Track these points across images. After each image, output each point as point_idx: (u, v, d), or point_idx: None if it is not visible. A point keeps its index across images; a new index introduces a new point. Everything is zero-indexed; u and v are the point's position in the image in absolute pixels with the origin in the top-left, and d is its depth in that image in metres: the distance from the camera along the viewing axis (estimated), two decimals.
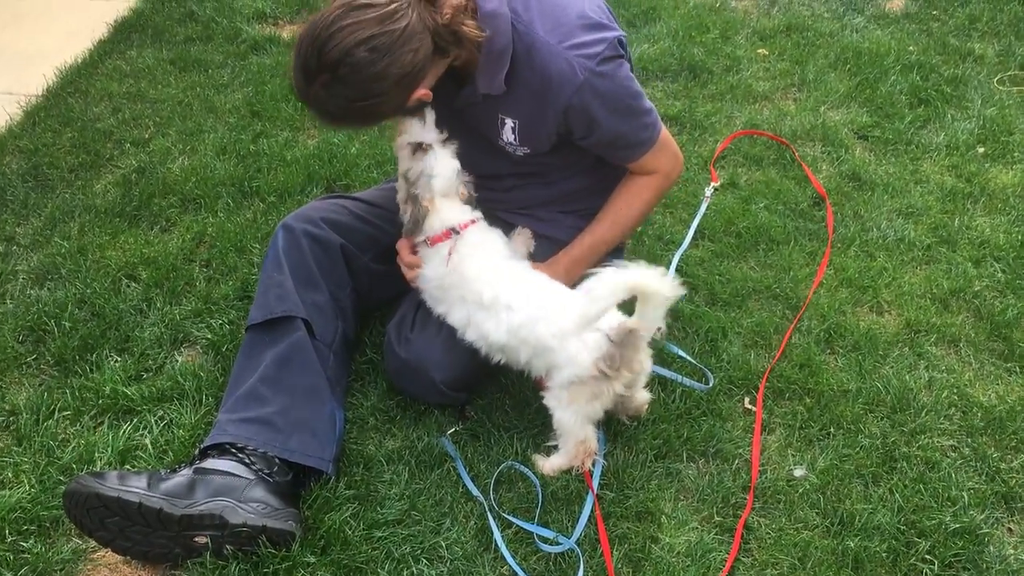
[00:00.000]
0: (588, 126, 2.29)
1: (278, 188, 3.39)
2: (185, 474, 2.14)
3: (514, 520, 2.23)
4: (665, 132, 2.43)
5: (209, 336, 2.74)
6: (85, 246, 3.10)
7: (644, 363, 2.26)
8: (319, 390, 2.39)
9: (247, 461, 2.19)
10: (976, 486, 2.34)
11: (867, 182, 3.50)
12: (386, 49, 2.00)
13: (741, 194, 3.43)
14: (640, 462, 2.39)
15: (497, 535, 2.18)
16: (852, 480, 2.35)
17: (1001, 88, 4.11)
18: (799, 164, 3.58)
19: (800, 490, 2.32)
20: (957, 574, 2.14)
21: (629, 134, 2.36)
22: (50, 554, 2.15)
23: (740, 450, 2.43)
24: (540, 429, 2.43)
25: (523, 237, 2.52)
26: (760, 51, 4.43)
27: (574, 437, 2.27)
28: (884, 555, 2.16)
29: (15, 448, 2.41)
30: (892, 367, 2.68)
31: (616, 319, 2.19)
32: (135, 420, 2.48)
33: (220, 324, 2.78)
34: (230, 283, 2.95)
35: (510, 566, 2.13)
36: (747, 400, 2.58)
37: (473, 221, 2.37)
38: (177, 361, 2.69)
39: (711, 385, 2.59)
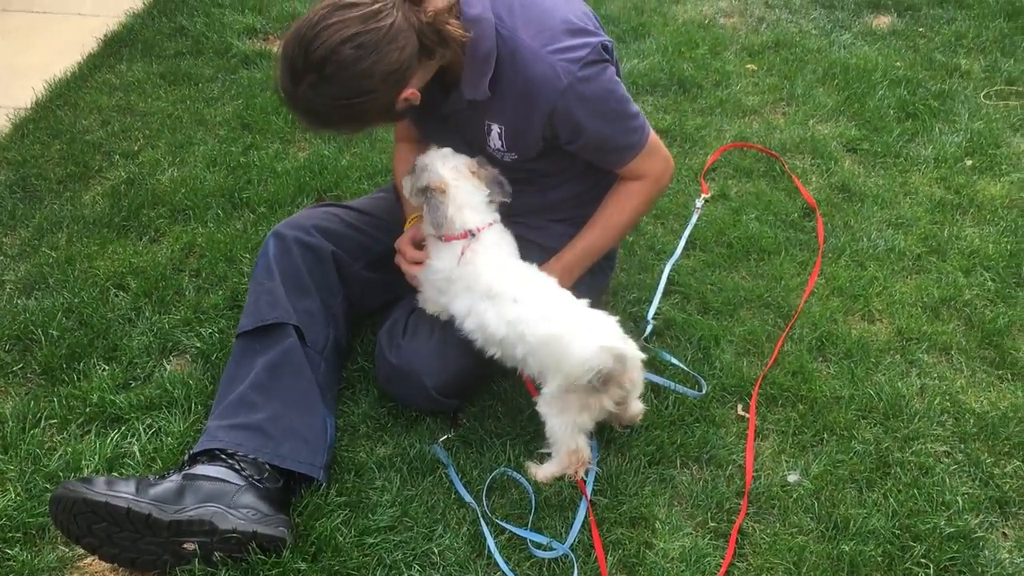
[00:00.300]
0: (574, 130, 2.30)
1: (268, 199, 3.38)
2: (174, 480, 2.11)
3: (507, 526, 2.21)
4: (654, 137, 2.43)
5: (199, 345, 2.72)
6: (73, 256, 3.08)
7: (635, 379, 2.26)
8: (310, 397, 2.37)
9: (237, 467, 2.16)
10: (970, 491, 2.34)
11: (856, 193, 3.52)
12: (372, 47, 2.00)
13: (732, 205, 3.44)
14: (634, 468, 2.37)
15: (490, 541, 2.16)
16: (846, 485, 2.34)
17: (988, 103, 4.14)
18: (789, 176, 3.59)
19: (794, 495, 2.31)
20: None
21: (616, 138, 2.36)
22: (36, 561, 2.11)
23: (734, 456, 2.42)
24: (533, 436, 2.42)
25: None
26: (749, 66, 4.46)
27: (565, 446, 2.26)
28: (879, 559, 2.15)
29: (1, 456, 2.37)
30: (884, 374, 2.68)
31: (613, 330, 2.20)
32: (123, 428, 2.45)
33: (210, 333, 2.76)
34: (220, 293, 2.93)
35: (503, 572, 2.10)
36: (740, 407, 2.57)
37: (490, 224, 2.37)
38: (166, 369, 2.66)
39: (704, 392, 2.58)
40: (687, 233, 3.22)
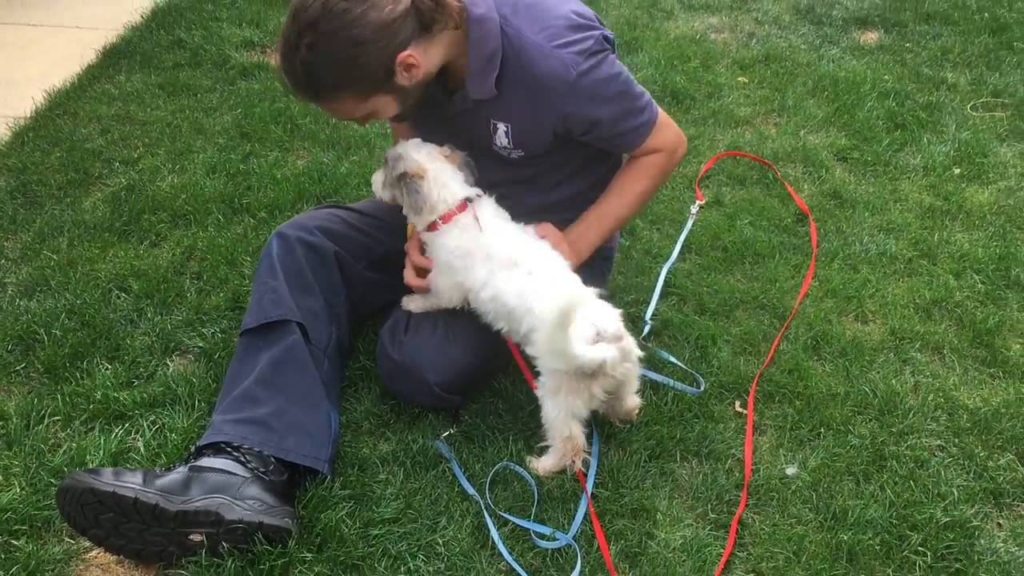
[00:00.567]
0: (588, 121, 2.36)
1: (268, 204, 3.41)
2: (181, 471, 2.12)
3: (510, 518, 2.23)
4: (663, 113, 2.50)
5: (201, 344, 2.74)
6: (74, 259, 3.10)
7: (626, 371, 2.27)
8: (314, 392, 2.39)
9: (243, 459, 2.18)
10: (965, 483, 2.38)
11: (848, 200, 3.58)
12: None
13: (726, 211, 3.49)
14: (634, 462, 2.40)
15: (494, 532, 2.18)
16: (843, 478, 2.38)
17: (975, 114, 4.23)
18: (782, 183, 3.65)
19: (793, 487, 2.34)
20: (949, 566, 2.16)
21: (628, 118, 2.42)
22: (41, 553, 2.12)
23: (732, 450, 2.45)
24: (534, 432, 2.44)
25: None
26: (740, 79, 4.54)
27: (559, 432, 2.27)
28: (877, 548, 2.18)
29: (5, 452, 2.38)
30: (878, 372, 2.73)
31: (613, 318, 2.23)
32: (127, 424, 2.47)
33: (212, 333, 2.78)
34: (221, 294, 2.95)
35: (507, 562, 2.12)
36: (738, 404, 2.61)
37: (479, 195, 2.41)
38: (169, 368, 2.68)
39: (702, 389, 2.62)
40: (683, 237, 3.27)
